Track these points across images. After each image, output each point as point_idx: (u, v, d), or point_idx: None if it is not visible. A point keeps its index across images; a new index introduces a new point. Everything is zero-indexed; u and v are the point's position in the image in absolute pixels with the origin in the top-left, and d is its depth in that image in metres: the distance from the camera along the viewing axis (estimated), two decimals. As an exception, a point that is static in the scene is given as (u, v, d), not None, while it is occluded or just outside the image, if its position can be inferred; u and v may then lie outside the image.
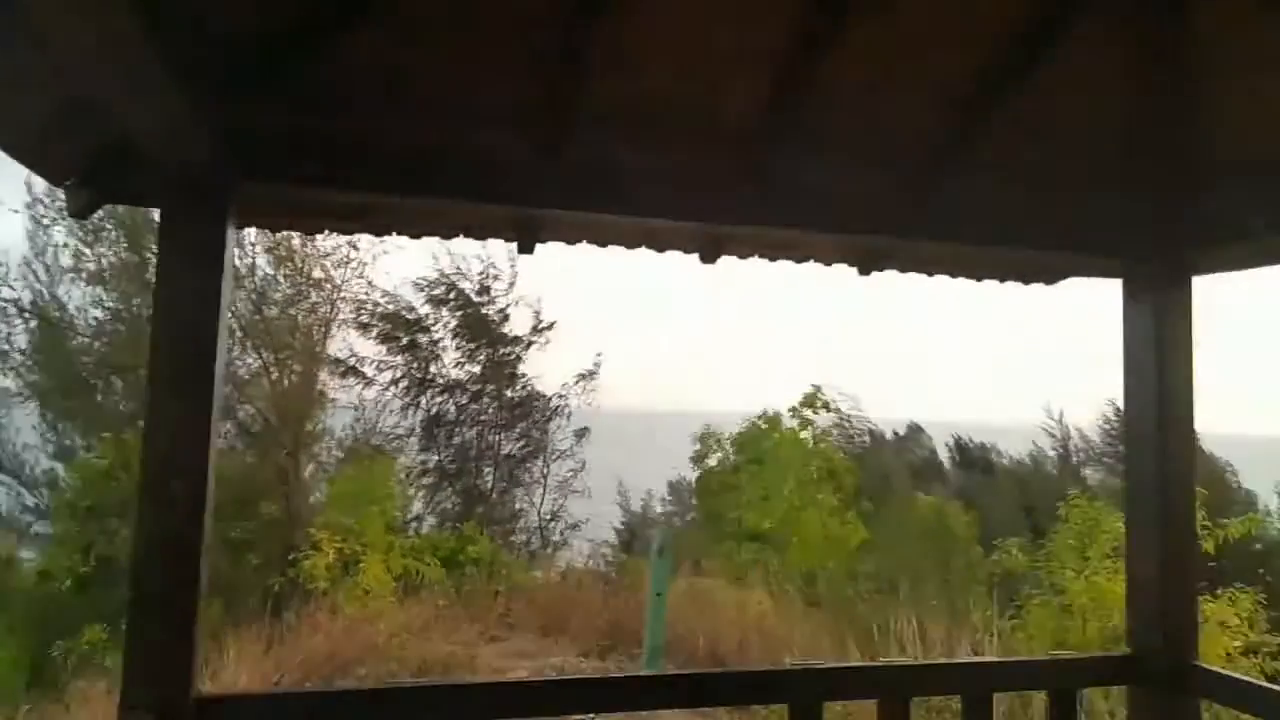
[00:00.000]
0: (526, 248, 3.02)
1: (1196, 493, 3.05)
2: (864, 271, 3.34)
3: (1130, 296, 3.19)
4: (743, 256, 3.31)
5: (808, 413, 12.60)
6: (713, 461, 12.78)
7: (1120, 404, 13.87)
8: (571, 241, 3.12)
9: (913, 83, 2.90)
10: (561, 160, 2.65)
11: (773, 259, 3.36)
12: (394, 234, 2.99)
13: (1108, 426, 16.58)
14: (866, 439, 16.75)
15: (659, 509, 20.95)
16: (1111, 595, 7.75)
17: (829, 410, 13.18)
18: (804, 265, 3.46)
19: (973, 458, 17.78)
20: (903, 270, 3.47)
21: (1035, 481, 15.97)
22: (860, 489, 11.99)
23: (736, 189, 2.83)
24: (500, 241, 3.11)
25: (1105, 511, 8.21)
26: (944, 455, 18.55)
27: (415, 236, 3.04)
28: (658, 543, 5.67)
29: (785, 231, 3.07)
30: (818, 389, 13.34)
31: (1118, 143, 3.14)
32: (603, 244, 3.19)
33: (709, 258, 3.16)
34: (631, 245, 3.15)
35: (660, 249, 3.22)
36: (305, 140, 2.44)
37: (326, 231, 3.92)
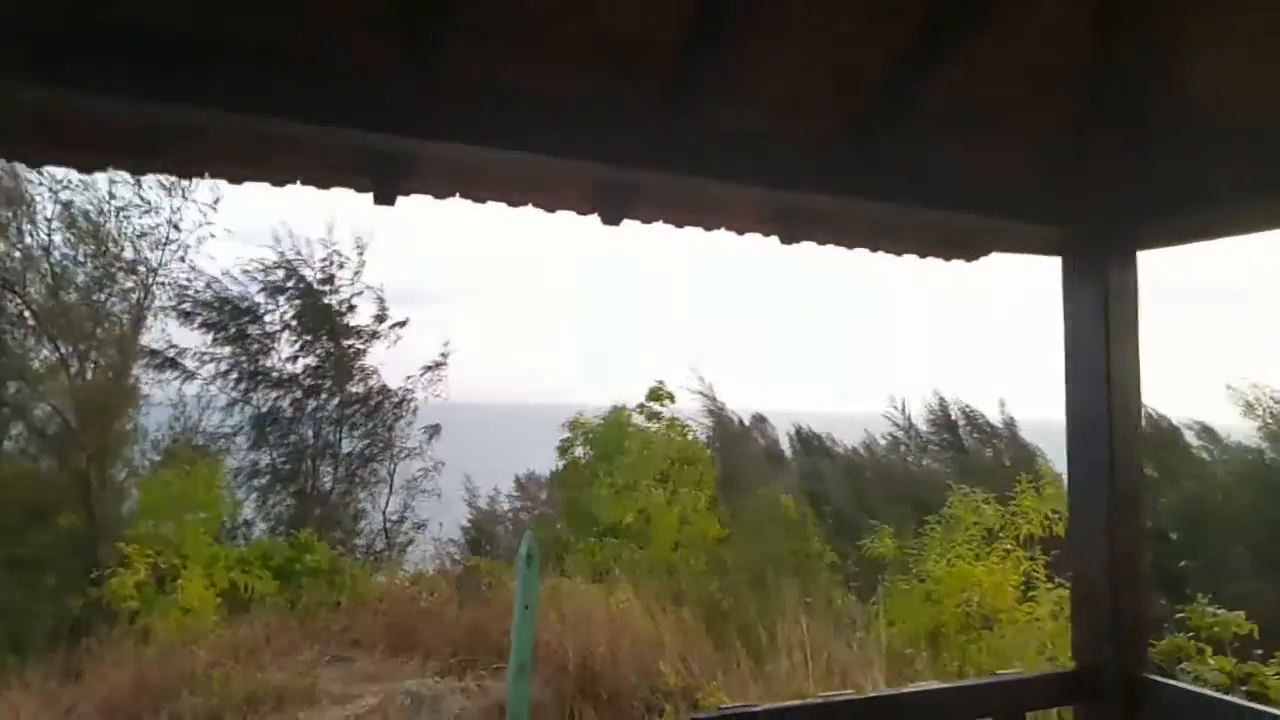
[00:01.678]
0: (385, 197, 2.34)
1: (1145, 485, 2.75)
2: (786, 240, 2.85)
3: (1072, 273, 2.86)
4: (646, 220, 2.75)
5: (661, 405, 12.25)
6: (579, 452, 12.21)
7: (942, 394, 14.13)
8: (442, 194, 2.47)
9: (857, 24, 2.43)
10: (433, 79, 2.01)
11: (680, 225, 2.82)
12: (205, 175, 2.24)
13: (933, 416, 17.07)
14: (727, 428, 16.66)
15: (506, 505, 20.15)
16: (970, 576, 7.77)
17: (674, 401, 12.90)
18: (714, 233, 2.95)
19: (813, 447, 18.00)
20: (822, 242, 3.02)
21: (872, 469, 16.29)
22: (719, 481, 11.74)
23: (648, 126, 2.27)
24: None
25: (979, 502, 8.22)
26: (787, 445, 18.72)
27: (236, 180, 2.29)
28: (525, 548, 5.06)
29: (701, 189, 2.55)
30: (661, 383, 13.05)
31: (1067, 109, 2.79)
32: (480, 199, 2.55)
33: (611, 218, 2.58)
34: (516, 201, 2.53)
35: (551, 208, 2.61)
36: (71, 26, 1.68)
37: (109, 170, 3.06)
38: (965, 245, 3.15)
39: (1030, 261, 3.08)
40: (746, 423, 20.26)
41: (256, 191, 2.36)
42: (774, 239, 2.86)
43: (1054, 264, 2.99)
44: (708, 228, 2.85)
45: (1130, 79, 2.69)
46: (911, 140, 2.60)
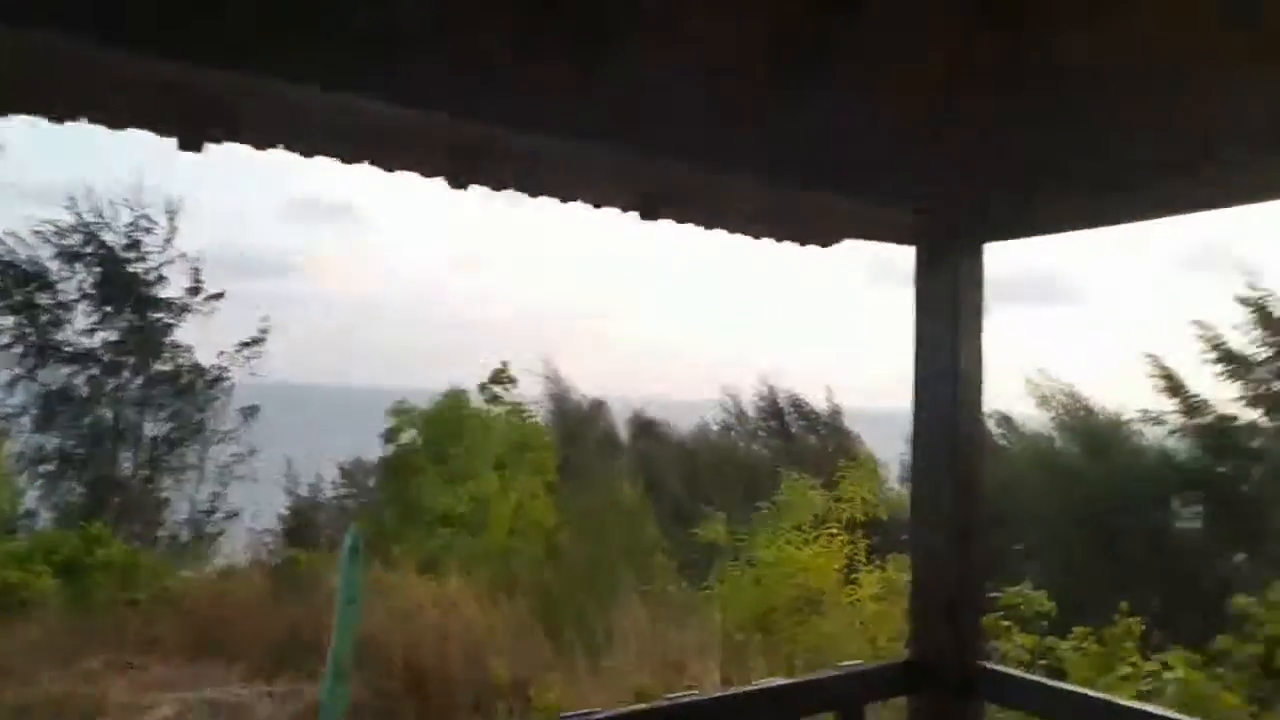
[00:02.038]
0: (191, 143, 1.97)
1: (984, 479, 2.77)
2: (645, 215, 2.67)
3: (924, 263, 2.84)
4: (497, 187, 2.49)
5: (503, 388, 11.95)
6: (405, 439, 11.67)
7: (772, 382, 14.50)
8: (263, 143, 2.11)
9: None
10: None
11: (535, 194, 2.58)
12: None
13: (762, 404, 17.58)
14: (569, 414, 16.48)
15: (331, 493, 19.14)
16: (798, 561, 7.98)
17: (515, 385, 12.63)
18: (569, 206, 2.73)
19: (650, 433, 18.15)
20: (681, 220, 2.86)
21: (706, 455, 16.62)
22: (559, 467, 11.56)
23: (503, 74, 2.02)
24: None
25: (807, 488, 8.42)
26: (624, 430, 18.80)
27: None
28: (349, 540, 4.69)
29: (560, 150, 2.32)
30: (504, 365, 12.75)
31: (925, 95, 2.75)
32: (307, 154, 2.21)
33: (460, 181, 2.31)
34: (351, 157, 2.21)
35: (389, 167, 2.31)
36: None
37: None
38: (820, 230, 3.08)
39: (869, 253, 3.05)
40: (587, 408, 20.20)
41: (51, 142, 1.93)
42: (633, 214, 2.67)
43: (903, 253, 2.98)
44: (563, 199, 2.63)
45: (991, 67, 2.67)
46: (771, 118, 2.48)
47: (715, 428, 16.98)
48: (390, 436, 11.77)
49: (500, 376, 12.70)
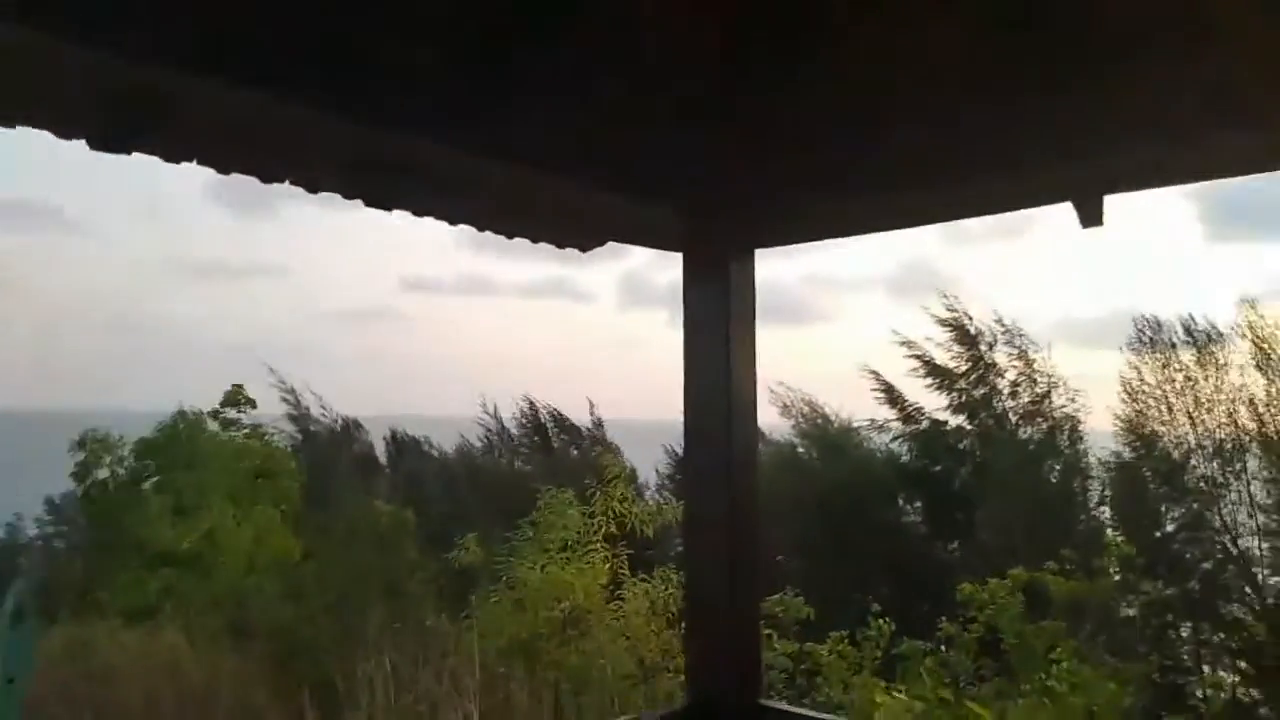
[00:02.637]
0: None
1: (759, 499, 2.56)
2: (371, 202, 2.22)
3: (694, 270, 2.59)
4: (171, 158, 1.95)
5: (240, 411, 10.71)
6: (104, 472, 10.09)
7: (531, 397, 14.12)
8: None
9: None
10: None
11: (226, 170, 2.06)
12: None
13: (523, 420, 17.20)
14: (316, 435, 15.17)
15: (34, 531, 16.47)
16: (562, 583, 7.65)
17: (255, 407, 11.42)
18: (270, 187, 2.21)
19: (409, 453, 17.21)
20: (418, 212, 2.44)
21: (468, 474, 15.97)
22: (307, 492, 10.50)
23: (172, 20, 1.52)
24: None
25: (567, 503, 8.07)
26: (382, 451, 17.69)
27: None
28: (10, 605, 3.76)
29: (263, 115, 1.83)
30: (240, 387, 11.51)
31: (697, 96, 2.51)
32: None
33: (115, 144, 1.75)
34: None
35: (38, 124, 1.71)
36: None
37: None
38: (578, 229, 2.76)
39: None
40: (339, 429, 18.79)
41: None
42: (358, 201, 2.21)
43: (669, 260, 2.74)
44: (264, 178, 2.11)
45: (762, 70, 2.47)
46: (531, 106, 2.13)
47: (478, 445, 16.35)
48: (83, 471, 10.15)
49: (236, 397, 11.42)
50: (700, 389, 2.51)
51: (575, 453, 16.37)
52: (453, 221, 2.51)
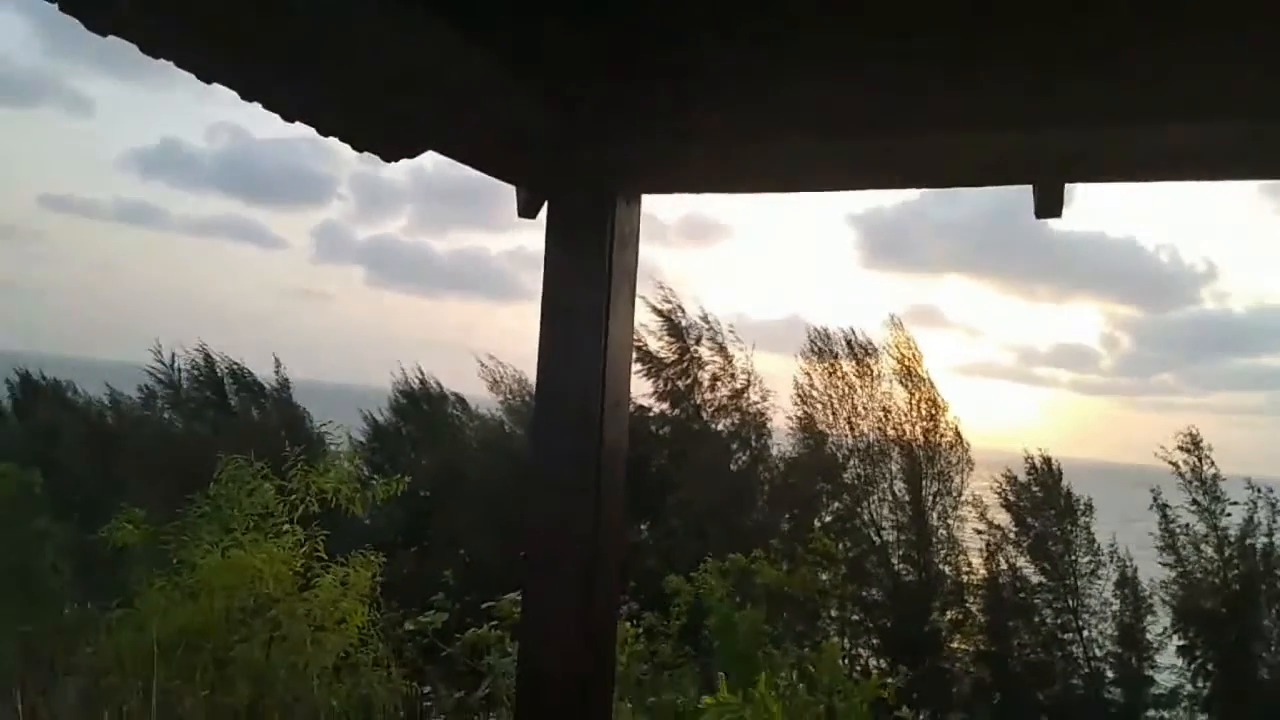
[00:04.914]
0: None
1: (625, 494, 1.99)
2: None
3: (564, 215, 1.96)
4: None
5: None
6: None
7: (208, 348, 12.20)
8: None
9: None
10: None
11: None
12: None
13: (197, 373, 14.91)
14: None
15: None
16: (247, 568, 6.43)
17: None
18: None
19: (47, 401, 14.19)
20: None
21: (129, 432, 13.45)
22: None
23: None
24: None
25: (257, 475, 6.78)
26: (7, 396, 14.41)
27: None
28: None
29: None
30: None
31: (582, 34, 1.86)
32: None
33: None
34: None
35: None
36: None
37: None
38: (398, 130, 2.00)
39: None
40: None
41: None
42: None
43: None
44: None
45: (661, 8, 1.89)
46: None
47: (138, 397, 13.84)
48: None
49: None
50: (565, 347, 1.89)
51: (257, 414, 14.48)
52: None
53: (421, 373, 14.73)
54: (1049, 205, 1.77)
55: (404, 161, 1.94)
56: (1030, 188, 1.80)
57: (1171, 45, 1.58)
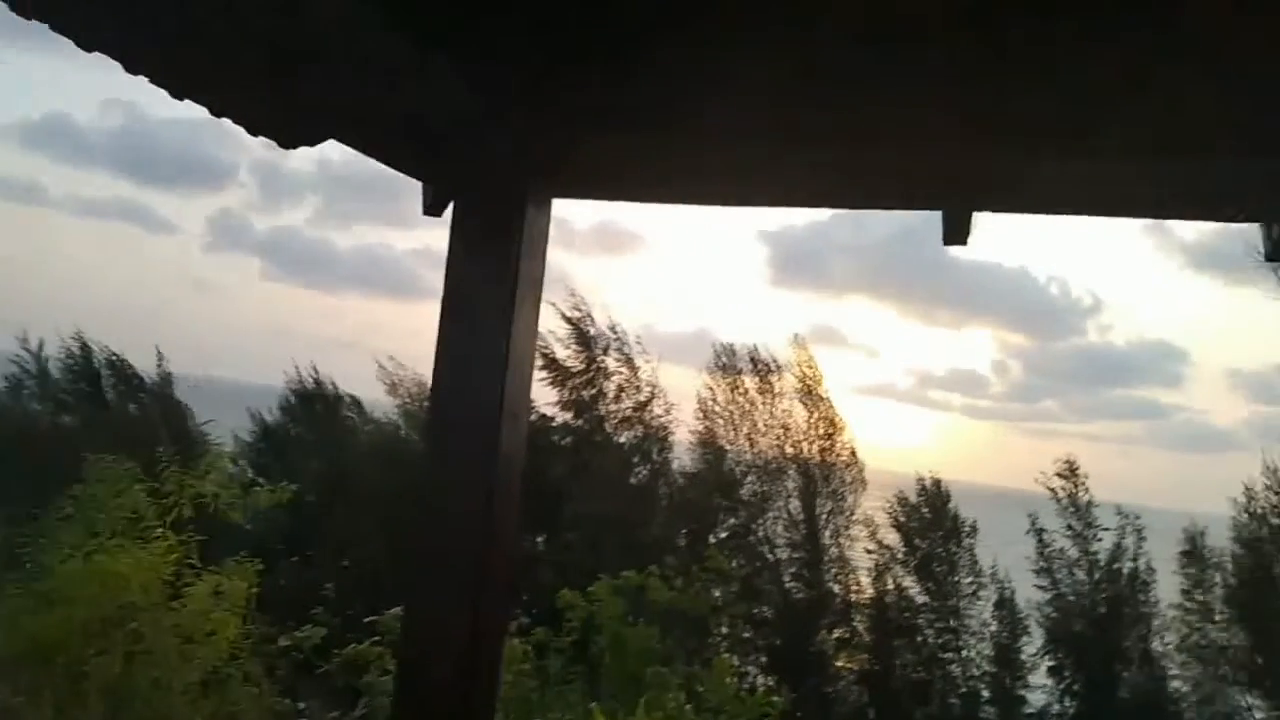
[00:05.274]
0: None
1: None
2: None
3: (466, 216, 1.87)
4: None
5: None
6: None
7: (86, 337, 11.43)
8: None
9: None
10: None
11: None
12: None
13: (71, 363, 13.96)
14: None
15: None
16: (112, 576, 5.98)
17: None
18: None
19: None
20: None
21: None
22: None
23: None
24: None
25: (127, 477, 6.32)
26: None
27: None
28: None
29: None
30: None
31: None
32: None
33: None
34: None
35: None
36: None
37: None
38: (302, 115, 1.87)
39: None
40: None
41: None
42: None
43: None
44: None
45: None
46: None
47: (2, 386, 12.81)
48: None
49: None
50: (462, 364, 1.78)
51: (134, 409, 13.64)
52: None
53: (317, 372, 14.18)
54: (956, 233, 1.79)
55: (310, 150, 1.82)
56: (939, 214, 1.82)
57: (1080, 82, 1.61)
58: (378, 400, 14.66)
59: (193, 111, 1.91)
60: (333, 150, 2.04)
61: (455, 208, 1.87)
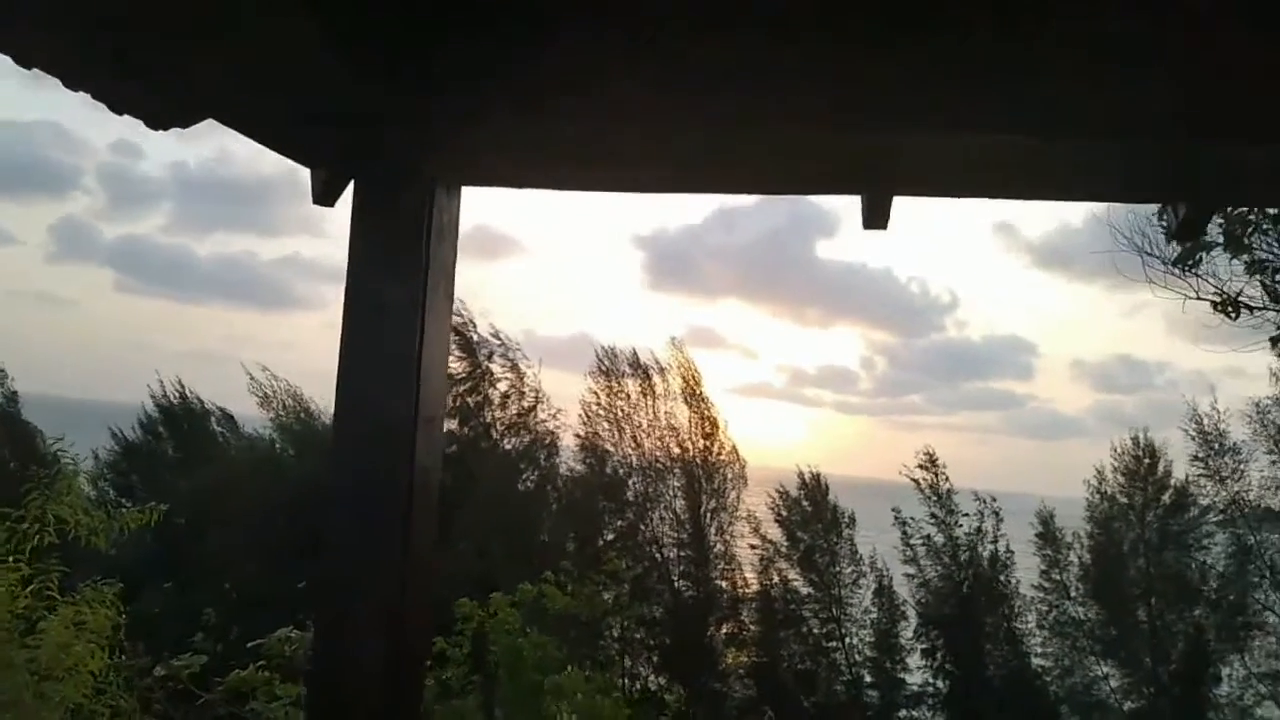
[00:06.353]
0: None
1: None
2: None
3: (369, 201, 1.70)
4: None
5: None
6: None
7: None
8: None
9: None
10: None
11: None
12: None
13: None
14: None
15: None
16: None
17: None
18: None
19: None
20: None
21: None
22: None
23: None
24: None
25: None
26: None
27: None
28: None
29: None
30: None
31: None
32: None
33: None
34: None
35: None
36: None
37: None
38: (175, 90, 1.67)
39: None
40: None
41: None
42: None
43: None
44: None
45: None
46: None
47: None
48: None
49: None
50: (368, 369, 1.62)
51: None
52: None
53: (182, 386, 13.27)
54: (876, 218, 1.77)
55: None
56: (859, 198, 1.79)
57: (995, 67, 1.61)
58: (250, 415, 13.85)
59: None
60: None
61: (357, 192, 1.69)
